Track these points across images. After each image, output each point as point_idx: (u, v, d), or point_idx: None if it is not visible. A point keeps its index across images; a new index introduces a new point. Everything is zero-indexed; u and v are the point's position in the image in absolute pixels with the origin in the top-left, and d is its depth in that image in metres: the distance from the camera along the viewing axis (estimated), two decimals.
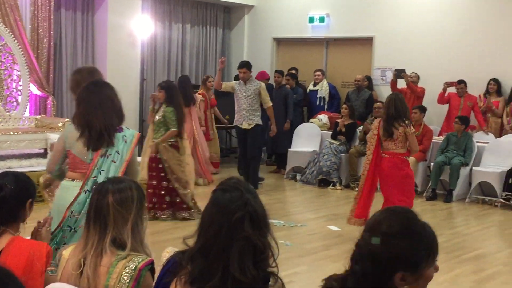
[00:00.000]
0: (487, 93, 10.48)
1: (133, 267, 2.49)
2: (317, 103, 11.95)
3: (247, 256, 2.15)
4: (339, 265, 6.58)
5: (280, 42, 13.35)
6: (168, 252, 2.39)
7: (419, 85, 10.88)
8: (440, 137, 10.22)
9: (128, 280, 2.47)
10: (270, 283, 2.21)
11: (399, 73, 10.59)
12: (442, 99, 10.58)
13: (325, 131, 11.06)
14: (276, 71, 11.68)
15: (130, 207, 2.59)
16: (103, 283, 2.50)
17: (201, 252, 2.20)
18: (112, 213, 2.56)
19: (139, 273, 2.46)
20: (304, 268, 5.98)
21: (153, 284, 2.46)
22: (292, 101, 11.10)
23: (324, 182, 10.27)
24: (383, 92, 11.64)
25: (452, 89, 10.63)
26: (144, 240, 2.65)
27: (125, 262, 2.51)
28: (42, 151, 8.83)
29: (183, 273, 2.21)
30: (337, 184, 10.18)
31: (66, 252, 2.65)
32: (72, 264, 2.56)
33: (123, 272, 2.48)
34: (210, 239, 2.18)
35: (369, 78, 11.70)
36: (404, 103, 6.66)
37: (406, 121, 6.57)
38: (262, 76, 10.93)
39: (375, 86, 11.95)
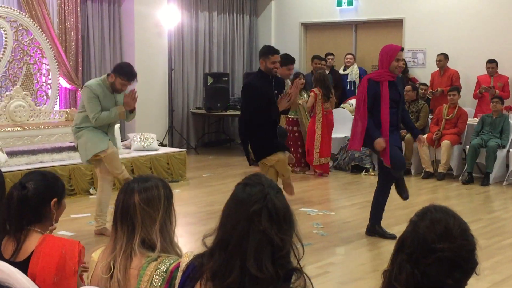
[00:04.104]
0: None
1: (164, 269, 2.41)
2: (348, 87, 11.76)
3: (265, 252, 2.05)
4: (375, 253, 6.39)
5: (308, 27, 13.16)
6: (187, 257, 2.29)
7: (449, 65, 10.65)
8: (475, 119, 9.99)
9: (160, 283, 2.39)
10: (292, 280, 2.10)
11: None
12: (477, 96, 10.41)
13: None
14: (316, 57, 11.35)
15: (158, 206, 2.52)
16: (134, 286, 2.43)
17: (219, 246, 2.12)
18: (139, 213, 2.48)
19: (171, 275, 2.38)
20: (340, 258, 5.87)
21: None
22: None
23: (356, 168, 10.13)
24: (414, 74, 11.46)
25: (481, 71, 10.41)
26: (174, 239, 2.57)
27: (156, 264, 2.43)
28: (73, 144, 8.81)
29: (205, 269, 2.14)
30: (370, 170, 10.01)
31: (96, 255, 2.59)
32: (101, 267, 2.49)
33: (154, 275, 2.41)
34: (228, 232, 2.11)
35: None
36: None
37: None
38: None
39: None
